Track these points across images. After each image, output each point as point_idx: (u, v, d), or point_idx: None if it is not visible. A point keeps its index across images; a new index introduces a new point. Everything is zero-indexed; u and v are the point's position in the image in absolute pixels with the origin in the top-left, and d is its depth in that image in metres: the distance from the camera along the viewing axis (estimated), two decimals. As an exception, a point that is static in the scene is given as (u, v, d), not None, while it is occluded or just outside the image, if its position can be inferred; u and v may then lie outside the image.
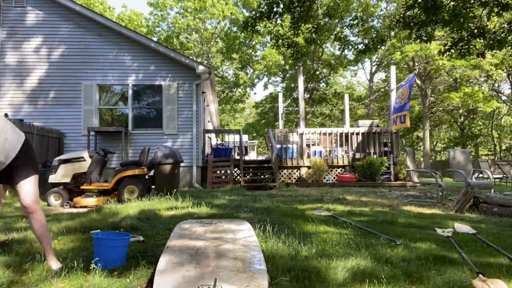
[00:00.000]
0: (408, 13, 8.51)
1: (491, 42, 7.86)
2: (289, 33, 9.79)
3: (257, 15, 8.97)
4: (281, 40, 9.93)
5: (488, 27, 8.37)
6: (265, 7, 8.85)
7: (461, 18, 7.47)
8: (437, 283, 2.41)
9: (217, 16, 29.28)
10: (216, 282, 2.07)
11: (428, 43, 10.71)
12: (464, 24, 7.75)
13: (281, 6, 8.78)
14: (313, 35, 9.64)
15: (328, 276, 2.50)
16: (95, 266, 2.59)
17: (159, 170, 7.04)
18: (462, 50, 8.18)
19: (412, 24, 8.39)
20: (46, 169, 8.37)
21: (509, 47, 8.89)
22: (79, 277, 2.42)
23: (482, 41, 8.23)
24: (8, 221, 4.66)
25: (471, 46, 8.11)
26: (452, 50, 8.42)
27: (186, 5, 29.08)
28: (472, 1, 7.73)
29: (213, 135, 16.37)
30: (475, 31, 7.91)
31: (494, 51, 8.88)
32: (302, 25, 9.31)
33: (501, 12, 7.72)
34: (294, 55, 10.02)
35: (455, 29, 8.11)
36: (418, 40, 8.89)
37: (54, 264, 2.70)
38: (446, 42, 11.32)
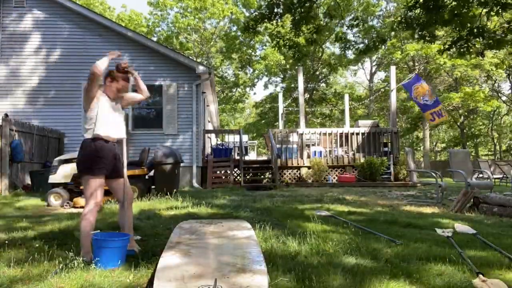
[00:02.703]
0: (410, 13, 8.48)
1: (490, 41, 7.84)
2: (291, 34, 9.76)
3: (258, 16, 8.95)
4: (282, 41, 9.91)
5: (488, 26, 8.36)
6: (266, 9, 8.82)
7: (461, 17, 7.45)
8: (437, 283, 2.41)
9: (217, 15, 29.26)
10: (216, 282, 2.07)
11: (432, 43, 10.73)
12: (465, 24, 7.73)
13: (281, 7, 8.74)
14: (314, 35, 9.62)
15: (328, 276, 2.50)
16: (95, 266, 2.60)
17: (159, 170, 7.04)
18: (461, 49, 8.17)
19: (415, 25, 8.36)
20: (46, 169, 8.36)
21: (509, 47, 8.88)
22: (79, 277, 2.42)
23: (481, 40, 8.22)
24: (8, 221, 4.66)
25: (470, 45, 8.09)
26: (453, 49, 8.40)
27: (187, 4, 29.05)
28: (471, 1, 7.71)
29: (213, 135, 16.36)
30: (475, 30, 7.89)
31: (495, 50, 8.90)
32: (303, 26, 9.29)
33: (500, 11, 7.71)
34: (296, 56, 10.00)
35: (456, 28, 8.09)
36: (422, 40, 8.87)
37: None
38: (446, 41, 11.32)
